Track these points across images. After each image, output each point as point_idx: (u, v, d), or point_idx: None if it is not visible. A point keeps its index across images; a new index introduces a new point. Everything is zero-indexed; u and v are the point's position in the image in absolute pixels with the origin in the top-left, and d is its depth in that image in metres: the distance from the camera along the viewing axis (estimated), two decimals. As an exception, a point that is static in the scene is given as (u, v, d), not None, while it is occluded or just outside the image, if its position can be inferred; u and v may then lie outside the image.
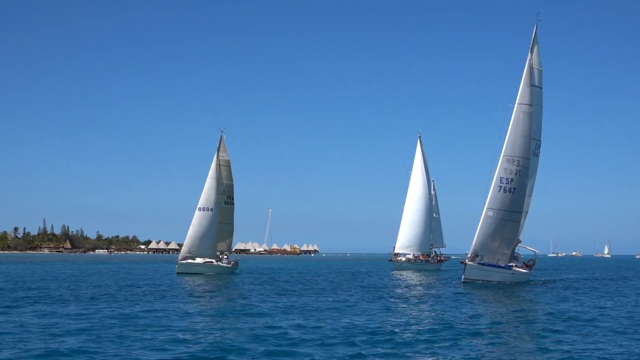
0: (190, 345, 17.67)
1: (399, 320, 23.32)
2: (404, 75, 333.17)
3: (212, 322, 22.56)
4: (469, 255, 44.70)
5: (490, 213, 44.69)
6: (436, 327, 21.47)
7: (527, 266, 48.30)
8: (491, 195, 44.88)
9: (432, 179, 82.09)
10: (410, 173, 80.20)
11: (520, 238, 47.67)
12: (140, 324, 21.66)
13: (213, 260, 58.68)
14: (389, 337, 19.24)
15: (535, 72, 47.46)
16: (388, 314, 25.55)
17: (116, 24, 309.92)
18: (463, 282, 43.92)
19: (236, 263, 62.65)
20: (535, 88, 47.39)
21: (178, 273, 57.14)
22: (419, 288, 41.89)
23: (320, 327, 21.43)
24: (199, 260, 58.05)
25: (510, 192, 44.82)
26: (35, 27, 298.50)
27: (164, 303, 28.91)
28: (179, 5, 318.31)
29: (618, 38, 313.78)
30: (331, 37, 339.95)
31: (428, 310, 26.74)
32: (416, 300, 31.72)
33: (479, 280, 44.00)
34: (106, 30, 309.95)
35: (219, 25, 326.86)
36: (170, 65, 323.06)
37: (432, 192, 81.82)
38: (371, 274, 66.54)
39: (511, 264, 45.96)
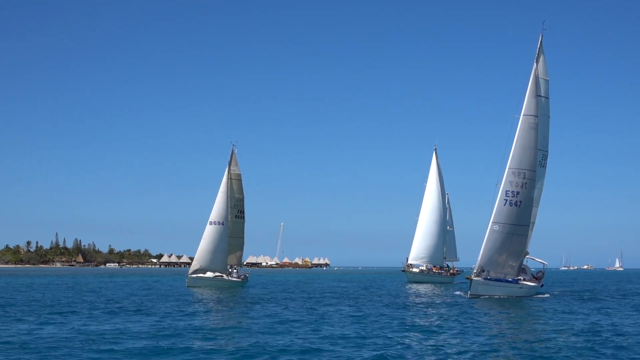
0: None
1: (405, 331, 23.59)
2: (415, 87, 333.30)
3: (232, 334, 22.96)
4: (474, 271, 44.02)
5: (496, 227, 43.91)
6: (442, 342, 21.69)
7: (535, 278, 47.67)
8: (496, 208, 44.07)
9: (446, 192, 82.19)
10: (425, 185, 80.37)
11: (528, 250, 46.96)
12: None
13: (223, 275, 59.09)
14: (399, 347, 19.66)
15: (541, 82, 46.90)
16: (400, 325, 26.15)
17: (130, 34, 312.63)
18: (469, 298, 43.18)
19: (246, 277, 63.04)
20: (541, 98, 46.77)
21: (188, 286, 57.54)
22: (429, 300, 41.92)
23: (343, 336, 22.69)
24: (209, 274, 58.55)
25: (516, 205, 44.06)
26: (52, 35, 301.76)
27: (186, 315, 29.15)
28: (193, 16, 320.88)
29: (627, 46, 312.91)
30: (343, 50, 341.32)
31: (434, 323, 26.92)
32: (422, 314, 31.88)
33: (485, 295, 43.34)
34: (123, 41, 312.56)
35: (231, 36, 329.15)
36: (184, 78, 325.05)
37: (446, 204, 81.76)
38: (384, 286, 66.68)
39: (519, 277, 45.30)
